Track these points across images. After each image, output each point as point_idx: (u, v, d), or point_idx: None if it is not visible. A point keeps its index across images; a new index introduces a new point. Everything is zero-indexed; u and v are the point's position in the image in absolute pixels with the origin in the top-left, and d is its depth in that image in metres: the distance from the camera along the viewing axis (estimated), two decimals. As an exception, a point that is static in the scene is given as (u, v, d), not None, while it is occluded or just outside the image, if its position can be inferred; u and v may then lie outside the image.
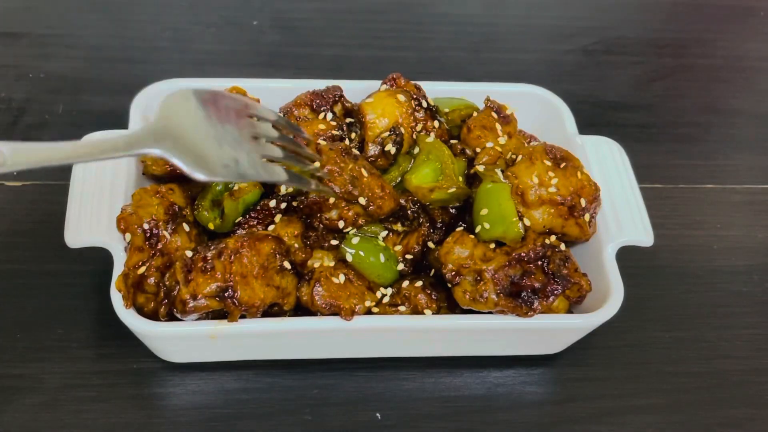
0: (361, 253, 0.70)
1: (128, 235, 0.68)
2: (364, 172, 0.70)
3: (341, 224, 0.70)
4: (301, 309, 0.70)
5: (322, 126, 0.76)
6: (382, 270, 0.70)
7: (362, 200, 0.69)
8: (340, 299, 0.68)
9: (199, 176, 0.57)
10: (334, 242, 0.71)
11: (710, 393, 0.77)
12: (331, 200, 0.69)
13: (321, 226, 0.70)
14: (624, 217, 0.77)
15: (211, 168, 0.58)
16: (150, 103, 0.81)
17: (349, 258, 0.70)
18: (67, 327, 0.75)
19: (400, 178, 0.75)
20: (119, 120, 0.81)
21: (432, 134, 0.77)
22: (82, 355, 0.73)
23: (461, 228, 0.72)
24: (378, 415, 0.72)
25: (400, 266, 0.72)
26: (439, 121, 0.78)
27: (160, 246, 0.68)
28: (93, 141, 0.59)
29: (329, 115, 0.77)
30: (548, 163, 0.71)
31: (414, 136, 0.76)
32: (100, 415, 0.70)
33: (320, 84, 0.81)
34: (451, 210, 0.75)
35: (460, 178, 0.74)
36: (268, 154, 0.64)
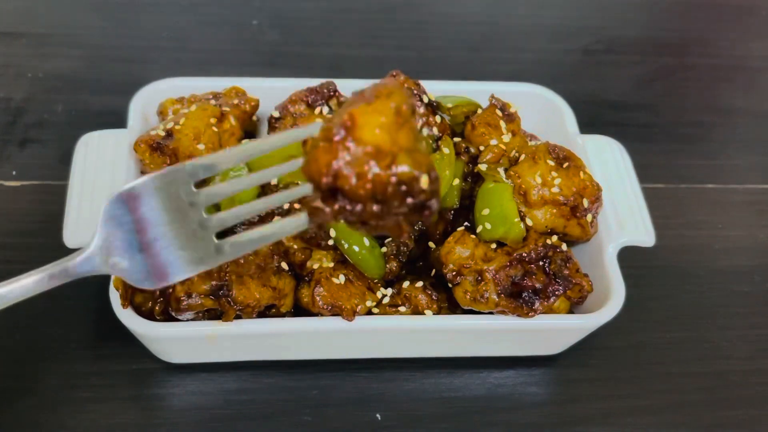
0: (344, 243, 0.69)
1: (127, 235, 0.68)
2: None
3: None
4: (299, 312, 0.70)
5: (319, 120, 0.75)
6: (367, 253, 0.69)
7: None
8: (341, 300, 0.67)
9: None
10: (330, 242, 0.70)
11: (711, 394, 0.77)
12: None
13: None
14: (625, 217, 0.76)
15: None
16: (149, 103, 0.80)
17: (332, 233, 0.69)
18: (67, 327, 0.75)
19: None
20: (118, 119, 0.80)
21: (434, 129, 0.76)
22: (81, 355, 0.73)
23: (462, 228, 0.72)
24: (378, 415, 0.72)
25: (384, 249, 0.71)
26: (441, 116, 0.78)
27: (159, 246, 0.68)
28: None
29: (325, 110, 0.77)
30: (551, 163, 0.71)
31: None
32: (99, 416, 0.69)
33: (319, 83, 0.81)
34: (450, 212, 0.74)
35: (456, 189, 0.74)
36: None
